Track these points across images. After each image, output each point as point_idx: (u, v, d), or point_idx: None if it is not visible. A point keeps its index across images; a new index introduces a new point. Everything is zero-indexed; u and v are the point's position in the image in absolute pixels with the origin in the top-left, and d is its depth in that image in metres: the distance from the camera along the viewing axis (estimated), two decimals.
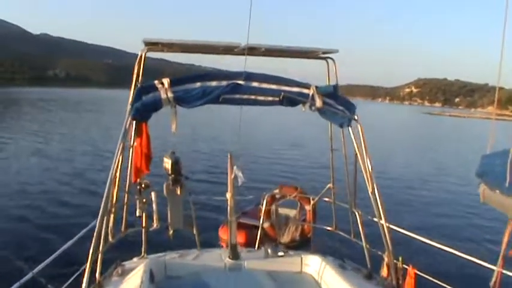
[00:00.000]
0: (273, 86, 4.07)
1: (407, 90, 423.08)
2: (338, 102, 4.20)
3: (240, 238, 7.44)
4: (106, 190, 3.73)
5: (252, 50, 4.24)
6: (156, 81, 3.87)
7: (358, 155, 4.15)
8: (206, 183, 14.75)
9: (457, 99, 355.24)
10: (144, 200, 4.72)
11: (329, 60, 4.70)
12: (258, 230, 5.89)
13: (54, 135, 31.33)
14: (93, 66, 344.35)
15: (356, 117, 4.16)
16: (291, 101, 4.08)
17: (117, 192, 4.38)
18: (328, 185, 5.46)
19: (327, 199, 5.77)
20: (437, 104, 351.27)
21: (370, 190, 4.07)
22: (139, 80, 4.27)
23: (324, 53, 4.61)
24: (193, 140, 22.11)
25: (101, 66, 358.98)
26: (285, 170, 18.38)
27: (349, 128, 4.17)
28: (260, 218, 6.25)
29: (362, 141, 4.13)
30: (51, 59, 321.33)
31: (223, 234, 8.97)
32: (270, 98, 4.07)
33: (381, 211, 4.04)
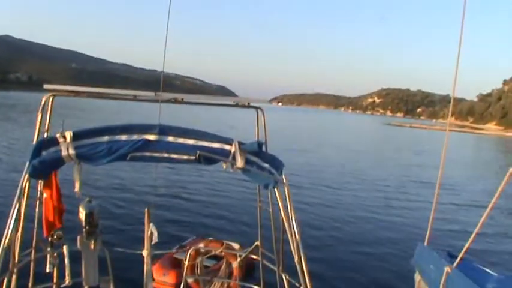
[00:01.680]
0: (190, 142, 3.76)
1: (370, 100, 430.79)
2: (264, 160, 3.87)
3: (171, 277, 8.29)
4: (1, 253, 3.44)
5: (170, 99, 4.07)
6: (57, 134, 3.54)
7: (285, 220, 3.89)
8: (123, 235, 13.45)
9: (419, 110, 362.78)
10: (55, 254, 4.52)
11: (258, 110, 4.54)
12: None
13: None
14: (56, 70, 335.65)
15: (284, 178, 3.92)
16: (209, 159, 3.73)
17: (18, 252, 4.14)
18: (256, 243, 5.33)
19: (254, 256, 5.63)
20: (399, 114, 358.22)
21: (296, 259, 3.87)
22: (46, 129, 4.12)
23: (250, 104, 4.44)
24: (112, 187, 19.82)
25: (64, 70, 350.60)
26: (209, 223, 16.06)
27: (275, 190, 3.90)
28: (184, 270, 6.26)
29: (289, 204, 3.91)
30: (14, 62, 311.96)
31: None
32: (185, 157, 3.71)
33: (307, 283, 3.88)
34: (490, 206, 1.39)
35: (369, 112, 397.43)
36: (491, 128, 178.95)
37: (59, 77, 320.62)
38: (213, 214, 16.55)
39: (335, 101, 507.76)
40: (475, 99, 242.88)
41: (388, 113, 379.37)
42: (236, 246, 8.92)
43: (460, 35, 2.10)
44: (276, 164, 3.96)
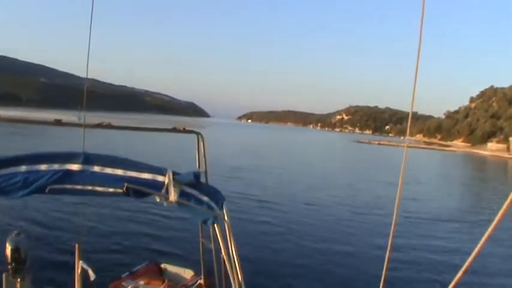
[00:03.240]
0: (118, 172, 3.40)
1: (339, 117, 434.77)
2: (203, 193, 3.61)
3: None
4: None
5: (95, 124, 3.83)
6: None
7: (225, 258, 3.75)
8: (55, 272, 12.32)
9: (387, 127, 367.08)
10: None
11: (198, 135, 4.41)
12: None
13: None
14: (23, 84, 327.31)
15: (224, 213, 3.74)
16: (138, 192, 3.38)
17: None
18: (199, 281, 5.36)
19: None
20: (368, 132, 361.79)
21: None
22: None
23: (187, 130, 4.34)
24: (47, 216, 18.39)
25: (33, 84, 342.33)
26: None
27: (215, 226, 3.73)
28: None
29: (229, 241, 3.77)
30: None
31: None
32: (112, 189, 3.37)
33: None
34: (485, 236, 1.27)
35: (337, 129, 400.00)
36: (459, 144, 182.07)
37: (28, 91, 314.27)
38: (153, 250, 14.66)
39: (304, 118, 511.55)
40: (443, 117, 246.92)
41: (357, 130, 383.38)
42: (190, 273, 8.24)
43: (418, 54, 2.18)
44: (216, 197, 3.72)
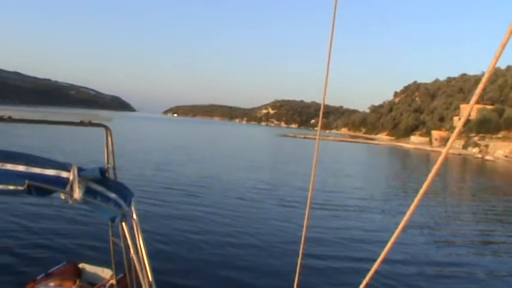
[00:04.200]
0: (19, 168, 3.06)
1: (265, 111, 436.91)
2: (110, 189, 3.42)
3: None
4: None
5: None
6: None
7: (134, 256, 3.65)
8: None
9: (312, 121, 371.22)
10: None
11: (106, 129, 4.22)
12: None
13: None
14: None
15: (133, 210, 3.62)
16: (41, 189, 3.07)
17: None
18: (111, 281, 5.21)
19: None
20: (293, 125, 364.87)
21: None
22: None
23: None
24: None
25: None
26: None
27: (124, 223, 3.61)
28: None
29: (138, 240, 3.72)
30: None
31: None
32: (12, 187, 2.99)
33: None
34: (399, 228, 1.31)
35: (263, 123, 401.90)
36: (383, 138, 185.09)
37: None
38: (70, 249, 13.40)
39: (230, 112, 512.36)
40: (368, 111, 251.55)
41: (283, 124, 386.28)
42: (108, 273, 7.62)
43: (329, 51, 2.28)
44: (124, 193, 3.53)
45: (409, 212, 1.49)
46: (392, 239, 1.58)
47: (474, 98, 1.24)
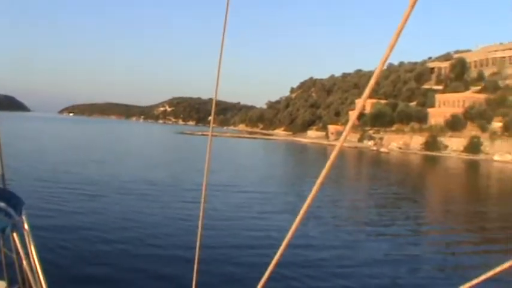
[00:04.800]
0: None
1: (162, 109, 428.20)
2: None
3: None
4: None
5: None
6: None
7: (26, 267, 3.34)
8: None
9: (210, 118, 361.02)
10: None
11: None
12: None
13: None
14: None
15: (24, 219, 3.32)
16: None
17: None
18: None
19: None
20: (191, 123, 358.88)
21: None
22: None
23: None
24: None
25: None
26: None
27: (15, 234, 3.31)
28: None
29: (30, 251, 3.38)
30: None
31: None
32: None
33: None
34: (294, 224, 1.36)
35: (161, 121, 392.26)
36: (280, 133, 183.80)
37: None
38: None
39: (127, 111, 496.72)
40: (265, 107, 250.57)
41: (180, 121, 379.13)
42: (3, 285, 5.24)
43: (221, 49, 2.38)
44: (14, 202, 3.28)
45: (305, 205, 1.51)
46: (291, 231, 1.59)
47: (366, 92, 1.25)
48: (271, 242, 15.64)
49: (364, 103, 1.33)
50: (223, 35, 2.39)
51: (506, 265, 1.19)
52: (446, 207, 30.76)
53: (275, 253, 1.62)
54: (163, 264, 13.31)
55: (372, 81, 1.29)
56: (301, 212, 1.54)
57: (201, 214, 2.75)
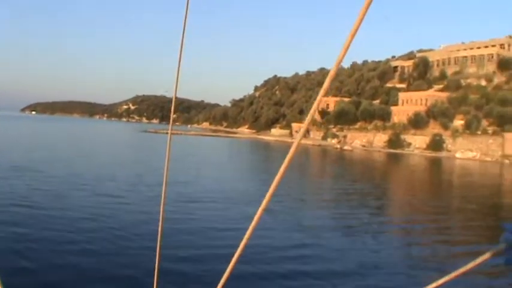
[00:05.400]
0: None
1: (126, 107, 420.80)
2: None
3: None
4: None
5: None
6: None
7: None
8: None
9: (174, 116, 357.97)
10: None
11: None
12: None
13: None
14: None
15: None
16: None
17: None
18: None
19: None
20: (155, 121, 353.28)
21: None
22: None
23: None
24: None
25: None
26: None
27: None
28: None
29: None
30: None
31: None
32: None
33: None
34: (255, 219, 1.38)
35: (124, 119, 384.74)
36: (245, 131, 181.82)
37: None
38: None
39: (90, 109, 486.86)
40: (229, 105, 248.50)
41: (144, 119, 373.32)
42: None
43: (181, 48, 2.38)
44: None
45: (264, 202, 1.50)
46: (250, 228, 1.58)
47: (321, 92, 1.24)
48: (232, 240, 14.74)
49: (318, 105, 1.32)
50: (183, 33, 2.35)
51: (469, 266, 1.20)
52: (407, 202, 31.08)
53: (234, 251, 1.61)
54: (123, 265, 12.91)
55: (326, 84, 1.28)
56: (260, 209, 1.53)
57: (161, 214, 2.65)
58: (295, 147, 1.38)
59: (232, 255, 1.60)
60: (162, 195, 2.62)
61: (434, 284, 1.32)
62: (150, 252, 11.92)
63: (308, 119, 1.45)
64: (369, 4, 1.13)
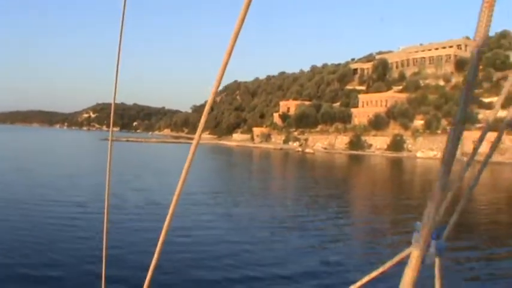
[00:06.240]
0: None
1: (86, 115, 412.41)
2: None
3: None
4: None
5: None
6: None
7: None
8: None
9: (135, 123, 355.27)
10: None
11: None
12: None
13: None
14: None
15: None
16: None
17: None
18: None
19: None
20: (115, 129, 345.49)
21: None
22: None
23: None
24: None
25: None
26: None
27: None
28: None
29: None
30: None
31: None
32: None
33: None
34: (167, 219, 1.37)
35: (85, 128, 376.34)
36: (206, 137, 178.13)
37: None
38: None
39: (50, 118, 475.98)
40: (190, 111, 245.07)
41: (105, 127, 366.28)
42: None
43: (118, 54, 2.40)
44: None
45: (173, 202, 1.49)
46: (164, 229, 1.56)
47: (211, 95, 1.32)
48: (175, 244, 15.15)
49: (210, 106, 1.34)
50: (120, 39, 2.32)
51: (388, 265, 1.18)
52: (367, 201, 31.20)
53: (154, 252, 1.60)
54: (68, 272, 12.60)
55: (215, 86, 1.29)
56: (170, 210, 1.50)
57: (104, 224, 2.59)
58: (194, 146, 1.35)
59: (152, 258, 1.58)
60: (106, 203, 2.48)
61: (359, 283, 1.30)
62: (96, 263, 11.69)
63: (204, 116, 1.38)
64: (243, 19, 1.12)
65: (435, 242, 1.14)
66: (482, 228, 21.76)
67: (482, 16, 0.68)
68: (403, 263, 1.17)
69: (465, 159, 1.28)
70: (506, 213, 27.86)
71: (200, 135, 1.38)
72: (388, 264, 1.18)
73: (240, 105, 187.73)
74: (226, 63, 1.24)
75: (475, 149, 1.25)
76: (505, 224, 23.92)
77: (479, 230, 21.08)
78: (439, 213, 1.18)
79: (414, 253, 1.15)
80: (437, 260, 1.18)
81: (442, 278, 1.29)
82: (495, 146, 1.24)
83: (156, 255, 1.58)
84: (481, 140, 1.27)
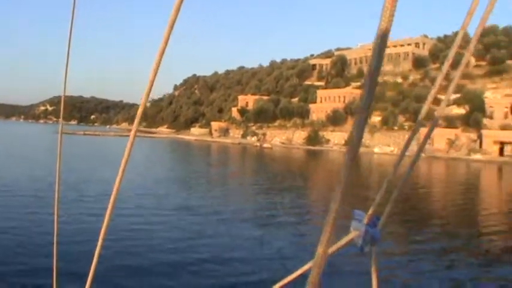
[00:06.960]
0: None
1: (43, 108, 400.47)
2: None
3: None
4: None
5: None
6: None
7: None
8: None
9: (93, 116, 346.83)
10: None
11: None
12: None
13: None
14: None
15: None
16: None
17: None
18: None
19: None
20: (73, 122, 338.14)
21: None
22: None
23: None
24: None
25: None
26: None
27: None
28: None
29: None
30: None
31: None
32: None
33: None
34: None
35: (42, 121, 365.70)
36: (164, 131, 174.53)
37: None
38: None
39: (6, 111, 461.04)
40: (148, 105, 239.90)
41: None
42: None
43: (68, 48, 2.34)
44: None
45: (113, 196, 1.48)
46: (104, 223, 1.56)
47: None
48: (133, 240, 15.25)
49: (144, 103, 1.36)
50: (70, 31, 2.25)
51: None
52: (319, 194, 31.62)
53: (95, 246, 1.59)
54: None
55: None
56: (110, 204, 1.50)
57: (55, 215, 2.54)
58: (132, 138, 1.35)
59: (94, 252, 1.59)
60: (56, 194, 2.48)
61: (294, 275, 1.31)
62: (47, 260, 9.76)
63: (140, 108, 1.38)
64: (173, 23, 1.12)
65: (372, 231, 1.14)
66: (419, 218, 22.70)
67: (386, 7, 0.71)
68: (342, 249, 1.18)
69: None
70: (448, 206, 28.30)
71: (137, 128, 1.34)
72: (330, 250, 1.14)
73: (198, 100, 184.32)
74: (161, 58, 1.18)
75: (406, 145, 1.25)
76: (444, 215, 24.61)
77: (415, 220, 21.86)
78: (375, 203, 1.21)
79: (353, 238, 1.16)
80: (373, 249, 1.19)
81: (377, 265, 1.31)
82: (425, 141, 1.23)
83: (99, 244, 1.56)
84: (411, 136, 1.27)
